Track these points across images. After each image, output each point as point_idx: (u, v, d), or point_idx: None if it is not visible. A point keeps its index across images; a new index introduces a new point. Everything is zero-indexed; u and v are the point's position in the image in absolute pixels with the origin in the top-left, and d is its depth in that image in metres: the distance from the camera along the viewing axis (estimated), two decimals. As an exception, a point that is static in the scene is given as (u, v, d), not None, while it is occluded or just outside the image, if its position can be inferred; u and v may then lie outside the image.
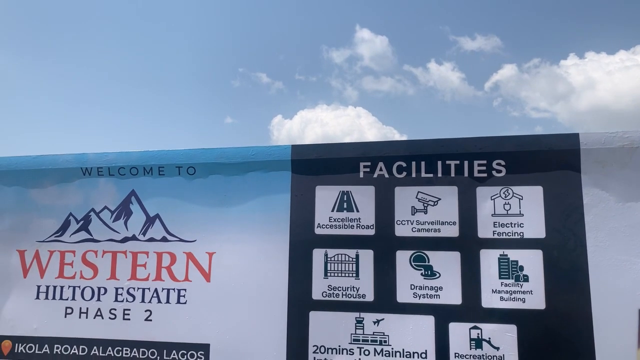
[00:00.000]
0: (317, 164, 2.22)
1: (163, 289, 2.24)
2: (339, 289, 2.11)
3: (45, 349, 2.29)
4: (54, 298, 2.33)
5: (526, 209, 2.03)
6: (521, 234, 2.02)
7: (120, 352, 2.22)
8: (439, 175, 2.11)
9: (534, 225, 2.01)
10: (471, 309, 2.00)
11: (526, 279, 1.98)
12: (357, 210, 2.16)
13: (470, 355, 1.97)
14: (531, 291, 1.97)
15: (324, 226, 2.17)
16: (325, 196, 2.19)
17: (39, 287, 2.35)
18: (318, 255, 2.15)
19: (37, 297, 2.34)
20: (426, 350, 2.01)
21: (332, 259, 2.14)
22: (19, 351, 2.31)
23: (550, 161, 2.03)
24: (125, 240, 2.31)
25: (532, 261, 1.99)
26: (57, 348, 2.28)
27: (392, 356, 2.03)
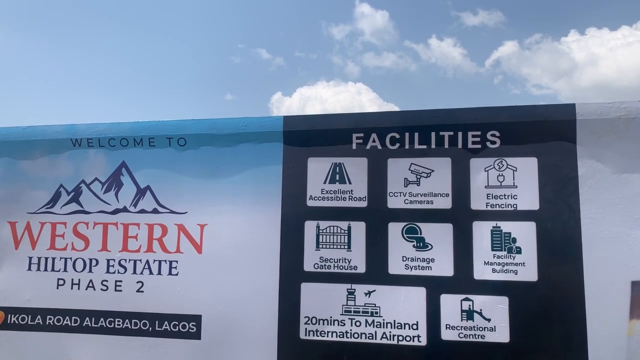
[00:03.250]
0: (309, 136, 2.19)
1: (154, 260, 2.23)
2: (331, 260, 2.10)
3: (38, 319, 2.29)
4: (45, 270, 2.32)
5: (520, 180, 2.00)
6: (514, 206, 1.99)
7: (112, 323, 2.23)
8: (433, 146, 2.08)
9: (528, 197, 1.98)
10: (463, 280, 1.99)
11: (519, 251, 1.97)
12: (350, 182, 2.13)
13: (462, 327, 1.97)
14: (523, 263, 1.96)
15: (315, 198, 2.15)
16: (317, 168, 2.16)
17: (30, 258, 2.34)
18: (310, 227, 2.13)
19: (29, 269, 2.34)
20: (417, 322, 2.00)
21: (324, 230, 2.12)
22: (12, 322, 2.31)
23: (545, 132, 2.00)
24: (116, 211, 2.30)
25: (525, 233, 1.97)
26: (50, 319, 2.28)
27: (384, 327, 2.02)
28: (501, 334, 1.94)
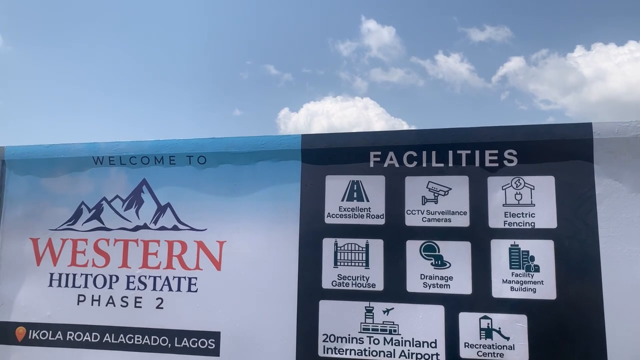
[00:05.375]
0: (327, 154, 2.21)
1: (174, 277, 2.26)
2: (349, 278, 2.11)
3: (58, 335, 2.32)
4: (66, 286, 2.36)
5: (538, 199, 2.01)
6: (532, 224, 2.00)
7: (132, 339, 2.25)
8: (450, 165, 2.10)
9: (546, 216, 2.00)
10: (481, 298, 2.00)
11: (537, 269, 1.97)
12: (367, 200, 2.15)
13: (480, 345, 1.97)
14: (542, 281, 1.96)
15: (334, 215, 2.17)
16: (335, 186, 2.19)
17: (51, 274, 2.38)
18: (328, 244, 2.15)
19: (50, 285, 2.37)
20: (436, 340, 2.01)
21: (342, 248, 2.14)
22: (33, 337, 2.34)
23: (562, 151, 2.02)
24: (136, 228, 2.33)
25: (543, 251, 1.98)
26: (70, 335, 2.31)
27: (402, 345, 2.03)
28: (520, 353, 1.94)
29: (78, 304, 2.33)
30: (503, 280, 1.99)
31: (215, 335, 2.18)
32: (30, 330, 2.35)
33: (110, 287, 2.31)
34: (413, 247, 2.08)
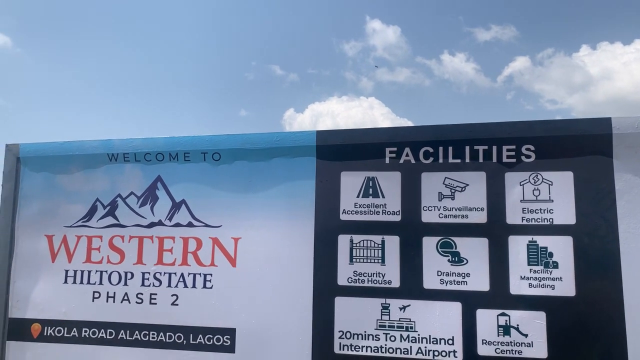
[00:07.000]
0: (342, 150, 2.20)
1: (189, 273, 2.26)
2: (365, 274, 2.10)
3: (74, 332, 2.32)
4: (81, 282, 2.36)
5: (556, 194, 1.99)
6: (551, 220, 1.98)
7: (147, 336, 2.25)
8: (467, 160, 2.08)
9: (564, 212, 1.98)
10: (499, 295, 1.98)
11: (556, 265, 1.95)
12: (383, 196, 2.14)
13: (498, 342, 1.95)
14: (561, 278, 1.94)
15: (349, 212, 2.16)
16: (350, 182, 2.18)
17: (67, 271, 2.38)
18: (343, 241, 2.14)
19: (65, 282, 2.38)
20: (453, 337, 1.99)
21: (358, 244, 2.13)
22: (48, 334, 2.35)
23: (581, 146, 1.99)
24: (151, 225, 2.33)
25: (561, 248, 1.96)
26: (85, 331, 2.31)
27: (419, 342, 2.02)
28: (539, 350, 1.92)
29: (93, 301, 2.33)
30: (521, 276, 1.97)
31: (231, 332, 2.17)
32: (46, 327, 2.36)
33: (125, 284, 2.31)
34: (430, 244, 2.06)
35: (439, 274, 2.04)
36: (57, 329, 2.34)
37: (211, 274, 2.24)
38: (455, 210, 2.06)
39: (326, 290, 2.12)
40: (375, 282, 2.09)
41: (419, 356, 2.01)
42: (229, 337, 2.17)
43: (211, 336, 2.19)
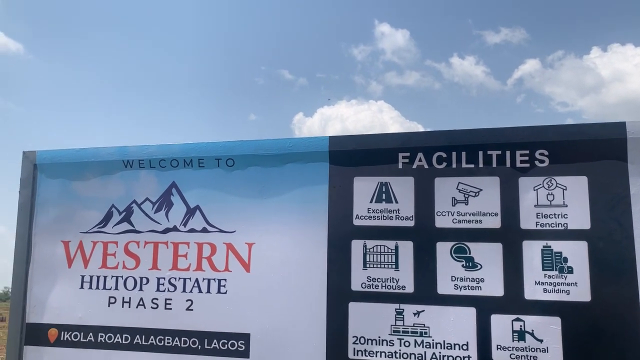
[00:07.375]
0: (355, 155, 2.21)
1: (204, 279, 2.27)
2: (379, 280, 2.11)
3: (90, 337, 2.35)
4: (97, 288, 2.39)
5: (570, 199, 1.99)
6: (565, 225, 1.98)
7: (162, 341, 2.27)
8: (480, 165, 2.08)
9: (579, 216, 1.97)
10: (513, 300, 1.97)
11: (570, 270, 1.95)
12: (396, 202, 2.15)
13: (513, 347, 1.95)
14: (576, 283, 1.93)
15: (362, 217, 2.17)
16: (363, 187, 2.19)
17: (83, 277, 2.41)
18: (357, 246, 2.15)
19: (82, 287, 2.40)
20: (467, 342, 1.99)
21: (371, 250, 2.13)
22: (65, 339, 2.37)
23: (595, 151, 1.99)
24: (166, 231, 2.35)
25: (576, 252, 1.95)
26: (101, 336, 2.33)
27: (433, 347, 2.02)
28: (554, 355, 1.92)
29: (109, 306, 2.36)
30: (535, 281, 1.97)
31: (245, 337, 2.19)
32: (62, 332, 2.38)
33: (141, 289, 2.34)
34: (443, 249, 2.06)
35: (453, 279, 2.04)
36: (73, 334, 2.37)
37: (225, 279, 2.25)
38: (469, 215, 2.06)
39: (340, 295, 2.13)
40: (389, 287, 2.09)
41: None
42: (243, 342, 2.19)
43: (226, 341, 2.20)
